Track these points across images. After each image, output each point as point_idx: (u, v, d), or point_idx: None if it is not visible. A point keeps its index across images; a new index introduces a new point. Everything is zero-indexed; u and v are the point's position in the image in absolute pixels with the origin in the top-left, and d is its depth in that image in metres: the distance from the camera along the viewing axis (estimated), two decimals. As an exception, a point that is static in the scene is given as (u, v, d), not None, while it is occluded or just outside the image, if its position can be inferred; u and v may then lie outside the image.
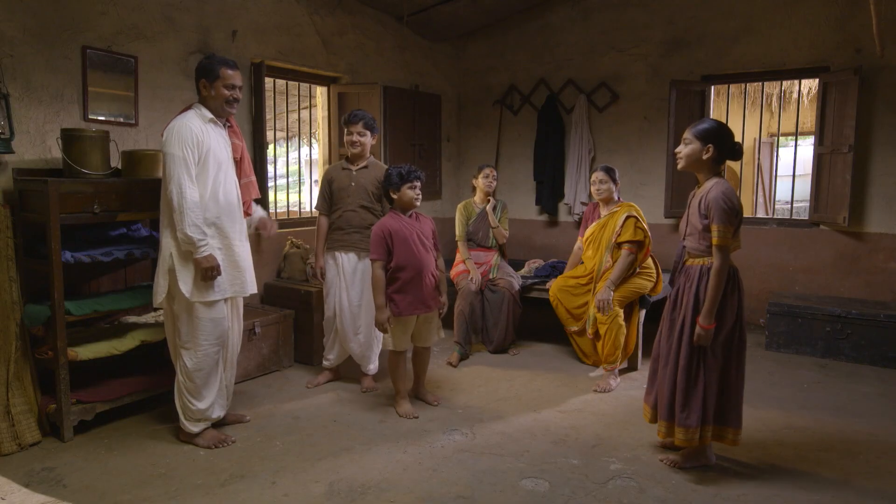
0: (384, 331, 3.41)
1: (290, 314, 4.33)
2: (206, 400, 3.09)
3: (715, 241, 2.67)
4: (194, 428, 3.09)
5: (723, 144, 2.75)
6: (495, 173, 4.82)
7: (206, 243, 2.91)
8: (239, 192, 3.18)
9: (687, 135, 2.83)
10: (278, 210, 5.43)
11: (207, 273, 2.93)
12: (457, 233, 4.80)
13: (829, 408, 3.63)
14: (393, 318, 3.39)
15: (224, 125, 3.13)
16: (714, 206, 2.67)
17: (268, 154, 4.80)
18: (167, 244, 2.99)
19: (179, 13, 4.06)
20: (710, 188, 2.73)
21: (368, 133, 3.83)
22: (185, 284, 2.95)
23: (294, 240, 4.77)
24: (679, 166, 2.89)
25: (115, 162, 3.48)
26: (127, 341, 3.36)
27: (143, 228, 3.64)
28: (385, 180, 3.48)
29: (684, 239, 2.90)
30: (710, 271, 2.71)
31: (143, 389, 3.43)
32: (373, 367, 3.97)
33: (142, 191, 3.32)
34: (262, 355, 4.16)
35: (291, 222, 5.19)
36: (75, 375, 3.18)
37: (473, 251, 4.77)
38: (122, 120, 3.78)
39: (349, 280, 3.84)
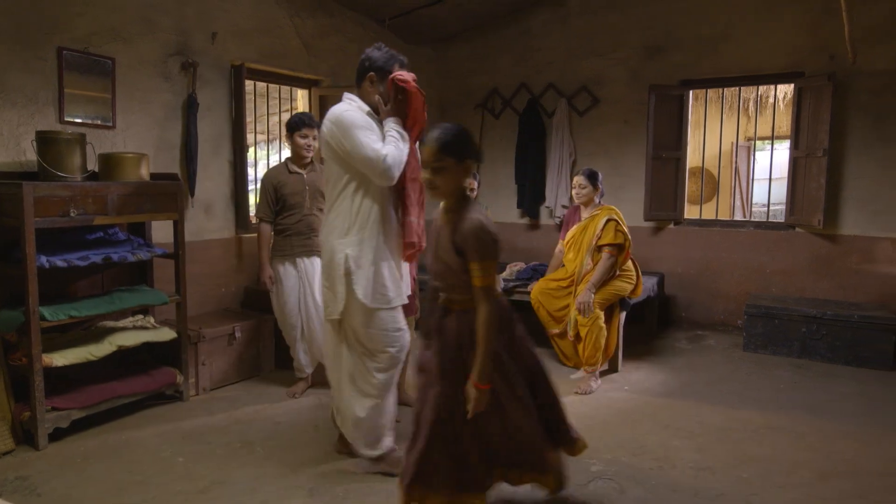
0: None
1: (270, 318, 4.28)
2: (388, 416, 2.83)
3: (477, 282, 2.11)
4: (374, 452, 2.83)
5: (473, 152, 2.21)
6: (476, 183, 4.57)
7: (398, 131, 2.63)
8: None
9: (432, 155, 2.14)
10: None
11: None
12: None
13: (806, 407, 3.69)
14: None
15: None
16: (472, 239, 2.09)
17: (248, 157, 4.78)
18: (340, 246, 2.67)
19: (158, 14, 4.01)
20: (462, 216, 2.15)
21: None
22: (364, 289, 2.65)
23: (275, 243, 4.73)
24: (434, 197, 2.25)
25: (93, 165, 3.44)
26: (103, 347, 3.31)
27: (121, 232, 3.59)
28: None
29: (435, 278, 2.31)
30: (473, 318, 2.14)
31: (119, 396, 3.39)
32: None
33: (120, 194, 3.28)
34: (242, 360, 4.13)
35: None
36: (50, 382, 3.12)
37: None
38: (99, 122, 3.73)
39: (315, 285, 3.81)
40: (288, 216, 3.82)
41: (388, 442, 2.84)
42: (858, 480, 2.82)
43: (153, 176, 3.65)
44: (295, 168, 3.86)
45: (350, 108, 2.70)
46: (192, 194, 4.22)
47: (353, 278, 2.65)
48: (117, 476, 2.82)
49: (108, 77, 3.74)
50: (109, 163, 3.40)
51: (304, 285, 3.84)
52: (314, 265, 3.80)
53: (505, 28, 6.38)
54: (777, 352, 4.73)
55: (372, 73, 2.73)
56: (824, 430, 3.37)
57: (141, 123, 3.97)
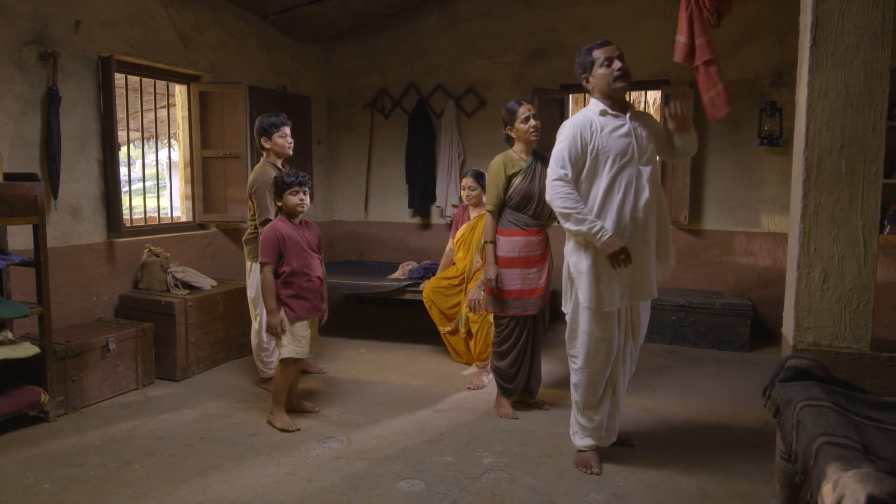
0: (276, 335, 3.36)
1: (149, 328, 4.04)
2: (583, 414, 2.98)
3: None
4: (576, 443, 3.00)
5: None
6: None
7: (599, 226, 2.70)
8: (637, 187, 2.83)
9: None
10: (135, 216, 5.03)
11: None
12: (487, 198, 3.53)
13: (677, 389, 4.01)
14: (292, 324, 3.34)
15: (625, 112, 2.94)
16: None
17: (122, 156, 4.46)
18: (565, 252, 2.90)
19: (10, -1, 3.66)
20: None
21: None
22: (584, 294, 2.83)
23: (153, 248, 4.45)
24: None
25: (-68, 164, 3.08)
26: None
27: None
28: (273, 186, 3.44)
29: None
30: None
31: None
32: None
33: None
34: (119, 373, 3.85)
35: (150, 229, 4.85)
36: None
37: (517, 235, 3.45)
38: (-61, 117, 3.35)
39: None
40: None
41: (586, 442, 2.96)
42: (720, 454, 3.10)
43: (8, 176, 3.32)
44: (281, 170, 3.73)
45: (577, 114, 2.92)
46: (56, 196, 3.88)
47: (576, 285, 2.84)
48: (-29, 509, 2.55)
49: (-50, 66, 3.36)
50: (-47, 162, 3.06)
51: None
52: None
53: (394, 28, 6.39)
54: (652, 339, 5.09)
55: (585, 76, 3.04)
56: (691, 409, 3.68)
57: (-8, 118, 3.60)
